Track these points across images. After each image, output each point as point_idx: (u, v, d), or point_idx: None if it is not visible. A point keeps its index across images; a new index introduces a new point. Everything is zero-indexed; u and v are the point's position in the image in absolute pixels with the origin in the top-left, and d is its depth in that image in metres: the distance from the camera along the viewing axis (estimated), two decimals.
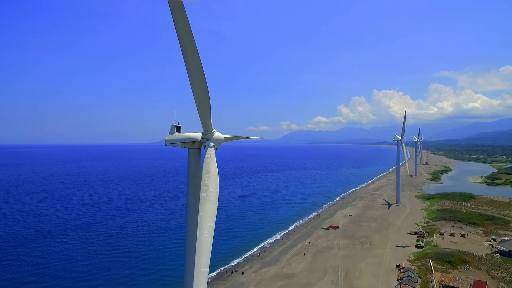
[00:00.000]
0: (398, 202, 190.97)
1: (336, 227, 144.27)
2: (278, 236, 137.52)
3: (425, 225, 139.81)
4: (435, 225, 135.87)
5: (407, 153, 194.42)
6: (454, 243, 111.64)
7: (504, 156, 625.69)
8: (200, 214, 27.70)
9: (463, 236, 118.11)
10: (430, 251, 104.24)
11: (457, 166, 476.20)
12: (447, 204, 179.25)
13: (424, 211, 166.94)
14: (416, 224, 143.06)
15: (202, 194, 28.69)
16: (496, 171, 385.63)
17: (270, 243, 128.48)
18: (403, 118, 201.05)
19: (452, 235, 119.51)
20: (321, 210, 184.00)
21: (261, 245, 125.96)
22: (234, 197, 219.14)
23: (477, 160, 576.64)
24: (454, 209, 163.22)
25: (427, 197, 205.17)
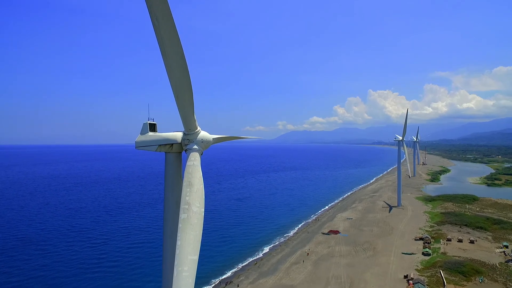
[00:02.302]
0: (399, 204, 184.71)
1: (336, 232, 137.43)
2: (275, 242, 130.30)
3: (430, 229, 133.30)
4: (441, 230, 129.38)
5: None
6: (463, 250, 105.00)
7: (500, 156, 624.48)
8: (178, 242, 20.20)
9: (471, 242, 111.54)
10: (438, 259, 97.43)
11: (454, 166, 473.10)
12: (450, 206, 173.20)
13: (427, 214, 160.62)
14: (420, 228, 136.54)
15: (182, 216, 21.21)
16: (494, 171, 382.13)
17: (268, 250, 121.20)
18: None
19: (460, 241, 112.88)
20: (320, 213, 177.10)
21: (258, 252, 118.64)
22: (230, 200, 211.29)
23: (474, 160, 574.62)
24: (458, 212, 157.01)
25: (429, 199, 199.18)
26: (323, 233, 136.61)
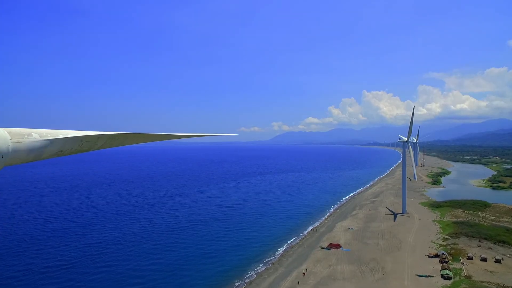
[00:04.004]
0: (404, 211, 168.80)
1: (337, 246, 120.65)
2: (268, 258, 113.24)
3: (444, 243, 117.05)
4: (457, 244, 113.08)
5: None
6: (491, 272, 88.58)
7: (497, 157, 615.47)
8: None
9: (498, 261, 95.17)
10: (464, 285, 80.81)
11: (453, 167, 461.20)
12: (461, 214, 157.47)
13: (437, 224, 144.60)
14: (432, 242, 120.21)
15: None
16: (496, 173, 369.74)
17: (259, 269, 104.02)
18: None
19: (483, 259, 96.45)
20: (317, 223, 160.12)
21: (248, 272, 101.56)
22: (219, 208, 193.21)
23: (472, 162, 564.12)
24: (472, 221, 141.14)
25: (435, 205, 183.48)
26: (322, 248, 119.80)
